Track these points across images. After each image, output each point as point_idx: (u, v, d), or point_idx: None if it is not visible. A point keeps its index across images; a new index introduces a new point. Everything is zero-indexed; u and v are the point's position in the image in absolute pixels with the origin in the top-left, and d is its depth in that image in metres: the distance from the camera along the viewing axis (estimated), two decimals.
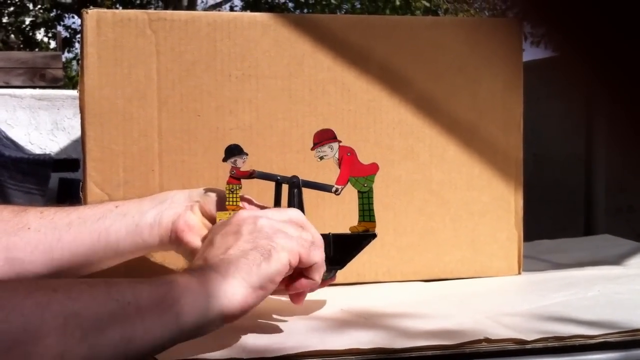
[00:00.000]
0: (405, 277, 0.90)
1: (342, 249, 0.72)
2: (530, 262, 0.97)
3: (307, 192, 0.75)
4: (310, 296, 0.81)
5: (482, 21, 0.93)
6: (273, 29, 0.86)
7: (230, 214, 0.71)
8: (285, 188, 0.74)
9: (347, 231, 0.73)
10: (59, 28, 10.71)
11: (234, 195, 0.72)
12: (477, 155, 0.91)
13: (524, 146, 0.92)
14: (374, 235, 0.73)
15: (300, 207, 0.73)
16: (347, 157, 0.72)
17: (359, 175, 0.72)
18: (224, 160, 0.73)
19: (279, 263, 0.62)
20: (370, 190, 0.72)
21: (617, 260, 1.00)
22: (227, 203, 0.72)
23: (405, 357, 0.60)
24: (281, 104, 0.86)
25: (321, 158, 0.73)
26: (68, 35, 10.87)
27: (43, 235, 0.70)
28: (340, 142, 0.73)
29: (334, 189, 0.73)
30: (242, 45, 0.85)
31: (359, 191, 0.73)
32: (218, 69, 0.85)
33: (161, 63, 0.84)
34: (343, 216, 0.77)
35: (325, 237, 0.71)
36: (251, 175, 0.73)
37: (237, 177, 0.73)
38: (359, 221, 0.73)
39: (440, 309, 0.76)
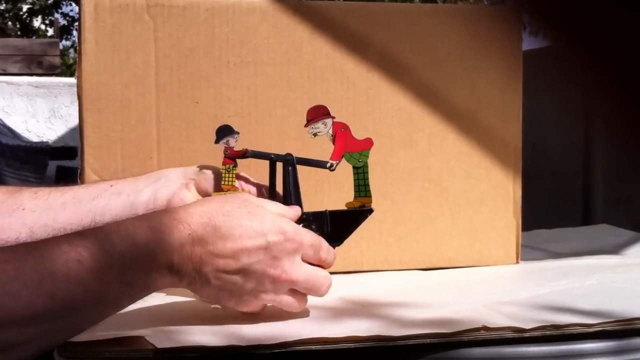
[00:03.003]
0: (404, 265, 0.90)
1: (339, 226, 0.71)
2: (528, 251, 0.97)
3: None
4: None
5: (481, 9, 0.92)
6: (272, 15, 0.85)
7: (226, 194, 0.71)
8: (279, 167, 0.74)
9: (344, 207, 0.73)
10: (57, 15, 10.67)
11: (230, 175, 0.73)
12: (475, 144, 0.91)
13: (522, 136, 0.92)
14: (370, 211, 0.73)
15: (295, 185, 0.73)
16: (340, 133, 0.72)
17: (354, 151, 0.72)
18: (216, 142, 0.73)
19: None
20: (365, 166, 0.72)
21: (615, 249, 1.00)
22: (222, 183, 0.73)
23: (403, 344, 0.60)
24: (280, 91, 0.85)
25: (315, 135, 0.73)
26: (66, 23, 10.84)
27: (38, 215, 0.70)
28: (334, 117, 0.73)
29: (328, 165, 0.72)
30: (240, 32, 0.85)
31: (353, 167, 0.72)
32: (216, 55, 0.84)
33: (159, 49, 0.83)
34: (343, 192, 0.77)
35: (321, 214, 0.71)
36: (245, 154, 0.73)
37: (231, 157, 0.73)
38: (355, 197, 0.73)
39: (438, 297, 0.77)
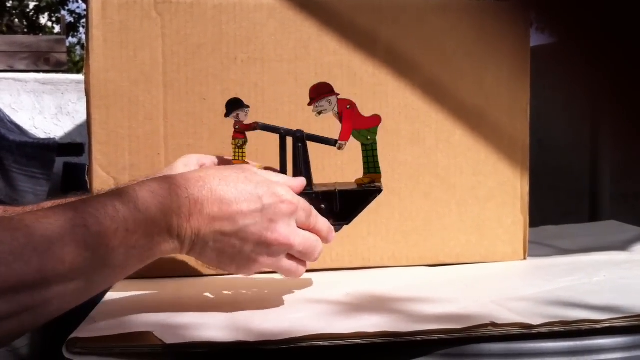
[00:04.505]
0: (411, 261, 0.90)
1: (348, 205, 0.72)
2: (535, 248, 0.97)
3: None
4: (315, 280, 0.82)
5: (489, 6, 0.92)
6: (279, 11, 0.85)
7: None
8: (290, 144, 0.74)
9: (353, 182, 0.73)
10: (63, 12, 10.69)
11: (240, 151, 0.73)
12: (483, 140, 0.91)
13: (529, 132, 0.92)
14: (379, 190, 0.73)
15: (306, 161, 0.73)
16: (347, 111, 0.71)
17: (362, 128, 0.72)
18: (226, 115, 0.73)
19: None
20: (374, 142, 0.72)
21: (622, 245, 1.00)
22: (233, 158, 0.73)
23: (411, 341, 0.60)
24: (287, 87, 0.85)
25: (319, 113, 0.72)
26: (72, 20, 10.86)
27: None
28: (338, 94, 0.72)
29: (337, 145, 0.72)
30: (248, 28, 0.85)
31: (362, 144, 0.72)
32: (224, 52, 0.84)
33: (167, 46, 0.83)
34: (350, 168, 0.76)
35: (331, 192, 0.71)
36: (254, 127, 0.73)
37: (241, 130, 0.73)
38: (364, 173, 0.73)
39: (445, 293, 0.76)
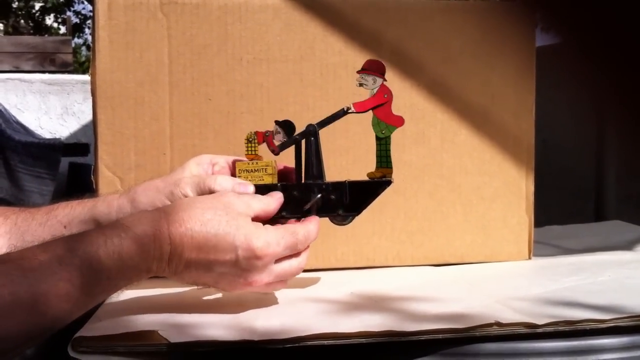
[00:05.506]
0: (416, 261, 0.90)
1: (357, 196, 0.73)
2: (540, 247, 0.97)
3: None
4: (320, 279, 0.82)
5: (495, 6, 0.92)
6: (284, 12, 0.85)
7: (249, 163, 0.74)
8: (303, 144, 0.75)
9: (365, 177, 0.74)
10: (69, 13, 10.71)
11: (252, 145, 0.74)
12: (488, 140, 0.91)
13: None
14: (389, 182, 0.74)
15: (317, 155, 0.73)
16: (381, 97, 0.73)
17: (382, 120, 0.73)
18: (280, 132, 0.74)
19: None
20: (388, 138, 0.73)
21: (628, 245, 1.00)
22: (246, 152, 0.74)
23: (415, 340, 0.60)
24: (292, 88, 0.86)
25: (360, 85, 0.73)
26: (78, 21, 10.87)
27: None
28: (385, 80, 0.73)
29: (345, 108, 0.73)
30: (253, 29, 0.85)
31: (376, 137, 0.73)
32: (229, 52, 0.85)
33: (172, 47, 0.84)
34: (363, 163, 0.77)
35: (341, 184, 0.73)
36: (275, 152, 0.74)
37: (263, 141, 0.74)
38: (377, 167, 0.74)
39: (450, 292, 0.77)
